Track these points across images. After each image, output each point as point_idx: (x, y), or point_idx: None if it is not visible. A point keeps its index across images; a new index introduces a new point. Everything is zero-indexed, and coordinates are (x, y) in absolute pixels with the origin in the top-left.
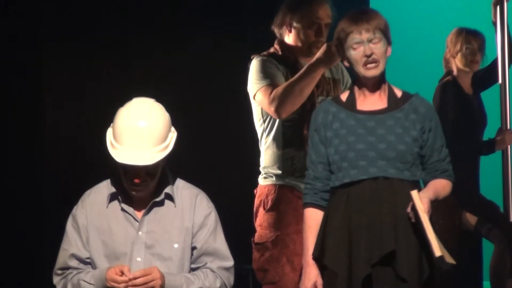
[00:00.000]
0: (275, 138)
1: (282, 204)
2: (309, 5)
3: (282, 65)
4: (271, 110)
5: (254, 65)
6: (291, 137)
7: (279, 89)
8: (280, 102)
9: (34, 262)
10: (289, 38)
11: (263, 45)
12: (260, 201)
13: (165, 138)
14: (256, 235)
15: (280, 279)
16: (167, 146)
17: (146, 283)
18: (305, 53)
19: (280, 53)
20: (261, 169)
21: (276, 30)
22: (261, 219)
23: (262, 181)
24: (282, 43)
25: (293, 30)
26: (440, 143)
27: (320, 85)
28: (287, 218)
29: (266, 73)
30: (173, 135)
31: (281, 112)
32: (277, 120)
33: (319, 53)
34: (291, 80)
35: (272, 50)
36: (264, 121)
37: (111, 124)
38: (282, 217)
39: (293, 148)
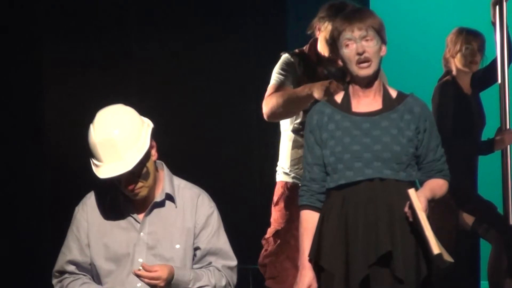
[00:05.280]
0: (288, 138)
1: (285, 201)
2: (333, 21)
3: (302, 64)
4: (262, 109)
5: (278, 63)
6: (300, 139)
7: (275, 94)
8: (267, 106)
9: (33, 263)
10: (318, 43)
11: (266, 44)
12: (274, 197)
13: (137, 138)
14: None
15: (278, 275)
16: (142, 144)
17: (151, 278)
18: (327, 62)
19: (307, 51)
20: (277, 166)
21: (314, 31)
22: (272, 215)
23: (276, 177)
24: (313, 44)
25: (319, 37)
26: (436, 143)
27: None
28: (288, 215)
29: (279, 73)
30: (146, 129)
31: (265, 114)
32: (291, 121)
33: (319, 84)
34: (287, 91)
35: (304, 47)
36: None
37: None
38: (284, 214)
39: (300, 150)
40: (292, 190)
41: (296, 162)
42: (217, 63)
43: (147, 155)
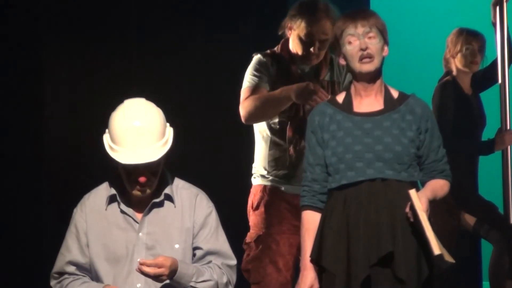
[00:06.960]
0: (264, 139)
1: (265, 205)
2: (306, 18)
3: (275, 64)
4: (240, 112)
5: (250, 64)
6: (278, 139)
7: (252, 97)
8: (244, 109)
9: (32, 263)
10: (291, 42)
11: (266, 44)
12: (251, 201)
13: (163, 133)
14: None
15: (262, 280)
16: (166, 141)
17: (155, 273)
18: (300, 60)
19: (279, 52)
20: (252, 168)
21: (285, 30)
22: (250, 219)
23: (252, 181)
24: (284, 44)
25: (291, 36)
26: (437, 143)
27: None
28: (269, 219)
29: (253, 74)
30: (170, 129)
31: (243, 117)
32: (265, 122)
33: (296, 87)
34: (265, 94)
35: (275, 48)
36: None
37: (107, 130)
38: (265, 218)
39: (278, 150)
40: (271, 194)
41: (274, 163)
42: (217, 63)
43: (165, 156)
